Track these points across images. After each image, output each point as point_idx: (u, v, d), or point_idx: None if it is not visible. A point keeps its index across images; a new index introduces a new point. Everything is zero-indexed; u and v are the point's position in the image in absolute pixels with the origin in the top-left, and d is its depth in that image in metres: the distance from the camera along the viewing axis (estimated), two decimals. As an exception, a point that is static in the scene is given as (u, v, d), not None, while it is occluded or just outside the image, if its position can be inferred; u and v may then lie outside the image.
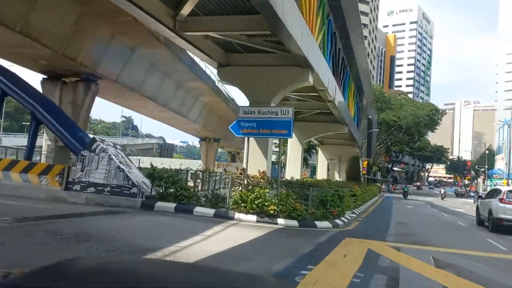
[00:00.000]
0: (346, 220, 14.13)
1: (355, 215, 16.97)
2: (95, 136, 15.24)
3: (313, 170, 46.25)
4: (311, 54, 13.68)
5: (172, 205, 12.12)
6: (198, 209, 12.07)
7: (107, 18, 17.04)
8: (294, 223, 11.77)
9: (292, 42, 11.79)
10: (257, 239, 8.86)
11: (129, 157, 16.30)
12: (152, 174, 12.87)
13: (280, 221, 11.71)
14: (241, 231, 10.07)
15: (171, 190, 12.51)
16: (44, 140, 19.84)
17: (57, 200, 12.61)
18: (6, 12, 13.37)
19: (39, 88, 18.65)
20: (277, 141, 18.00)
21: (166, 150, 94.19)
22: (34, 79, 19.84)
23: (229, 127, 13.60)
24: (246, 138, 14.27)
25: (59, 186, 13.19)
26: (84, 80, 19.58)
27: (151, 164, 13.38)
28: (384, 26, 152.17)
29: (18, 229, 7.05)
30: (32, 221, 7.97)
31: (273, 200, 12.09)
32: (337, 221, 13.19)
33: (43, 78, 19.75)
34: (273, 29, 11.23)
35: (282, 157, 29.74)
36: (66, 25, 15.92)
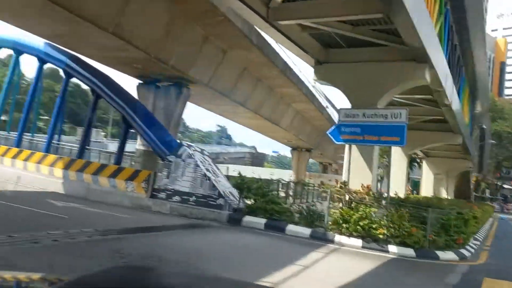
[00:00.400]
0: (472, 250, 11.36)
1: (478, 243, 13.92)
2: (181, 141, 14.40)
3: (414, 186, 41.99)
4: (430, 45, 11.30)
5: (261, 221, 10.57)
6: (291, 228, 10.36)
7: (200, 18, 16.28)
8: (409, 252, 9.48)
9: (409, 29, 9.61)
10: (368, 274, 6.85)
11: (221, 164, 15.27)
12: (240, 184, 11.50)
13: (392, 248, 9.51)
14: (345, 260, 8.14)
15: (261, 203, 10.98)
16: (137, 145, 19.75)
17: (142, 208, 11.84)
18: (100, 13, 13.10)
19: (134, 93, 18.63)
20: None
21: (257, 159, 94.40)
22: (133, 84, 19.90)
23: (327, 133, 11.74)
24: (347, 147, 12.28)
25: (144, 193, 12.42)
26: (176, 84, 19.14)
27: (239, 173, 11.99)
28: (493, 30, 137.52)
29: (81, 246, 5.97)
30: (102, 235, 6.93)
31: (382, 222, 9.94)
32: (463, 251, 10.54)
33: (139, 83, 19.73)
34: (387, 10, 9.19)
35: (380, 170, 26.87)
36: (158, 26, 15.43)
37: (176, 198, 11.82)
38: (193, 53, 18.35)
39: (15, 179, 13.85)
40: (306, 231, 10.19)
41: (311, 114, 34.24)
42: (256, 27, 14.21)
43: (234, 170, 34.43)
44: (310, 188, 19.03)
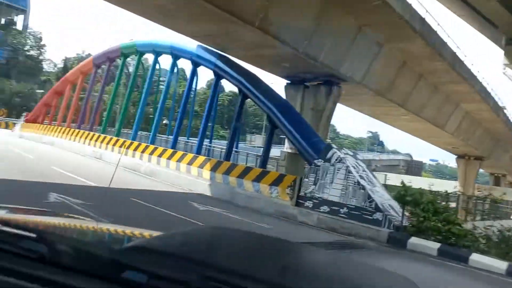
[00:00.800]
0: None
1: None
2: (330, 143, 12.79)
3: None
4: None
5: (434, 245, 8.21)
6: (477, 258, 7.74)
7: (353, 6, 14.49)
8: None
9: None
10: None
11: (374, 172, 13.19)
12: (402, 196, 9.28)
13: None
14: None
15: (432, 223, 8.60)
16: (284, 148, 18.84)
17: (286, 217, 10.60)
18: (246, 6, 12.42)
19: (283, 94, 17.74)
20: None
21: (413, 167, 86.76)
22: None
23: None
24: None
25: (289, 201, 11.16)
26: (326, 83, 17.60)
27: (402, 183, 9.72)
28: None
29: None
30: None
31: None
32: None
33: (287, 83, 18.84)
34: None
35: None
36: (307, 17, 14.14)
37: (324, 208, 10.21)
38: (345, 47, 16.60)
39: (166, 179, 14.15)
40: (500, 264, 7.49)
41: (484, 115, 29.14)
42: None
43: (389, 178, 31.35)
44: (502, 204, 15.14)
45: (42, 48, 56.50)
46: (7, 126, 33.07)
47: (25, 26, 57.69)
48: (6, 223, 1.10)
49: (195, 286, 0.85)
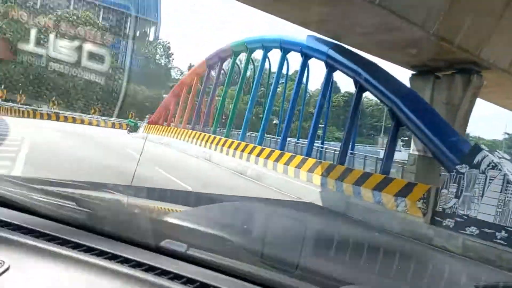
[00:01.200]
0: None
1: None
2: (478, 143, 10.07)
3: None
4: None
5: None
6: None
7: (502, -29, 11.49)
8: None
9: None
10: None
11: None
12: None
13: None
14: None
15: None
16: (411, 149, 16.18)
17: (416, 237, 8.38)
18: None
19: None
20: None
21: None
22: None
23: None
24: None
25: (421, 217, 8.87)
26: (462, 71, 14.55)
27: None
28: None
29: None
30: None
31: None
32: None
33: (412, 74, 16.16)
34: None
35: None
36: (440, -11, 11.60)
37: (472, 229, 7.73)
38: (488, 27, 13.42)
39: (272, 183, 12.87)
40: None
41: None
42: None
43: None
44: None
45: (170, 57, 60.92)
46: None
47: (156, 37, 62.90)
48: (50, 193, 1.08)
49: (232, 257, 0.85)
